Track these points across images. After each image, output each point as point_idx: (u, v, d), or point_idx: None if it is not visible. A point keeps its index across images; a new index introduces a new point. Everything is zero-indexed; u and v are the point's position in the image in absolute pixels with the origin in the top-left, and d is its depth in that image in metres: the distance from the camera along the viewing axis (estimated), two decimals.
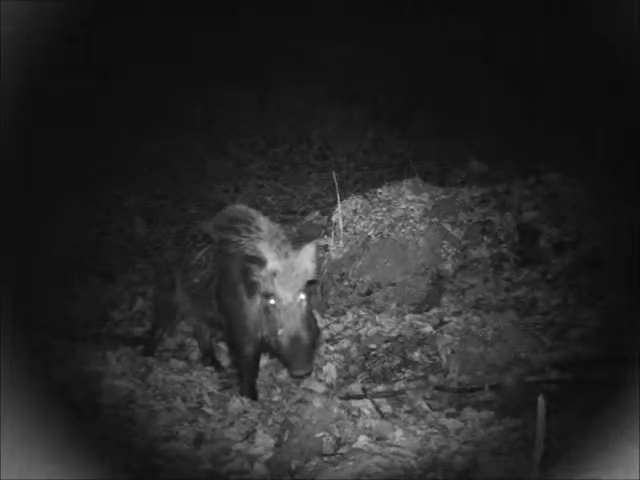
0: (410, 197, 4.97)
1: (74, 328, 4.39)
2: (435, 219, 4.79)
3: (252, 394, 3.56)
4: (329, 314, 4.40)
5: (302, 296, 3.27)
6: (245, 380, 3.59)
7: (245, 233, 3.52)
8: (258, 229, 3.52)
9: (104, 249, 6.16)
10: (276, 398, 3.57)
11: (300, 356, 3.18)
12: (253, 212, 3.71)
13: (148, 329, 4.37)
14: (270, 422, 3.29)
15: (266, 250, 3.33)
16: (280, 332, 3.20)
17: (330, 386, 3.62)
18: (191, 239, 3.88)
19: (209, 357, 4.09)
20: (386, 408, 3.28)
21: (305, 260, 3.31)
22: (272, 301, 3.24)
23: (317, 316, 3.96)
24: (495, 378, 3.46)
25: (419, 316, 4.23)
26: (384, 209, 4.89)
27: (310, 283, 3.37)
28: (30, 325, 3.51)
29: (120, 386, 3.54)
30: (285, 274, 3.24)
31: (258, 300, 3.34)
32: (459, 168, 7.15)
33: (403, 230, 4.69)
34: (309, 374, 3.50)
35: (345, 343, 4.05)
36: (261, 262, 3.25)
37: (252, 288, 3.31)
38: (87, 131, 7.11)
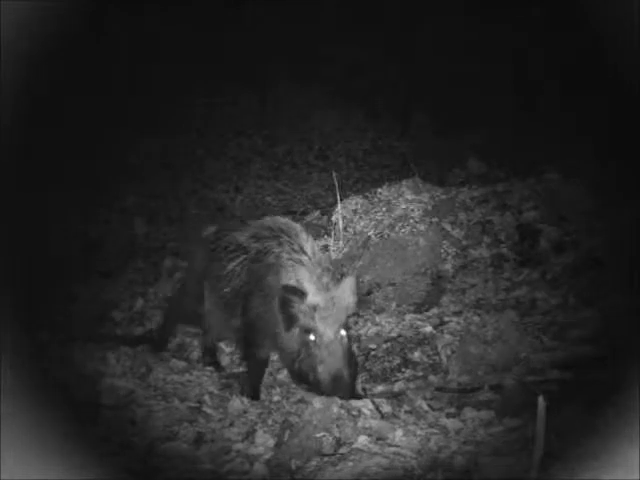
0: (410, 197, 4.97)
1: (74, 328, 4.39)
2: (435, 219, 4.80)
3: (255, 395, 3.55)
4: None
5: (343, 332, 3.16)
6: (251, 381, 3.58)
7: (287, 247, 3.39)
8: (301, 249, 3.38)
9: (104, 249, 6.16)
10: (276, 398, 3.57)
11: (340, 393, 3.06)
12: (297, 226, 3.60)
13: (158, 326, 4.36)
14: (270, 422, 3.29)
15: (307, 281, 3.21)
16: (320, 369, 3.09)
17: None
18: (222, 250, 3.76)
19: (209, 356, 4.08)
20: (386, 408, 3.27)
21: (346, 294, 3.20)
22: (312, 337, 3.12)
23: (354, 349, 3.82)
24: (495, 378, 3.46)
25: (419, 316, 4.23)
26: (384, 209, 4.89)
27: (350, 316, 3.29)
28: (30, 325, 3.51)
29: (120, 386, 3.54)
30: (327, 309, 3.12)
31: (296, 332, 3.21)
32: (459, 168, 7.16)
33: (403, 230, 4.70)
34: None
35: None
36: (302, 294, 3.13)
37: (291, 321, 3.17)
38: (87, 131, 7.10)
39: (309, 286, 3.18)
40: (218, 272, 3.71)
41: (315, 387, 3.18)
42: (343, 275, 3.58)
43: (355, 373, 3.28)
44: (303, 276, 3.26)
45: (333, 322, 3.13)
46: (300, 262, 3.32)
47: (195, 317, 3.98)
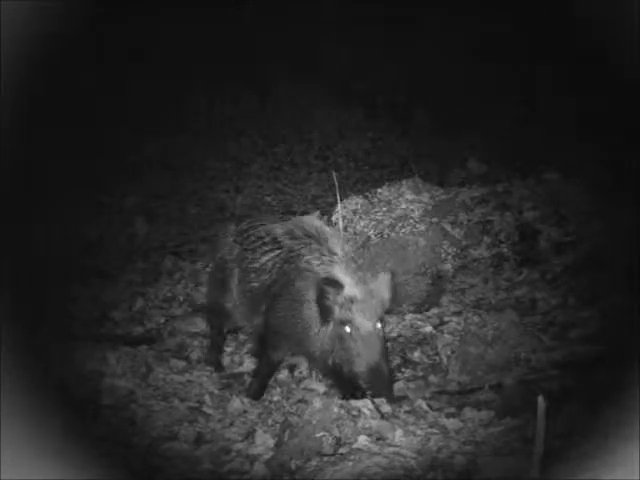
0: (410, 197, 4.97)
1: (74, 328, 4.39)
2: (435, 219, 4.80)
3: (258, 395, 3.54)
4: None
5: (379, 325, 3.12)
6: (258, 381, 3.57)
7: (317, 254, 3.36)
8: (331, 252, 3.36)
9: (104, 249, 6.16)
10: (276, 398, 3.57)
11: (381, 388, 3.05)
12: (327, 231, 3.56)
13: (162, 327, 4.34)
14: (270, 422, 3.29)
15: (342, 274, 3.19)
16: (357, 362, 3.05)
17: (330, 386, 3.62)
18: (257, 240, 3.68)
19: (215, 355, 4.03)
20: (386, 408, 3.27)
21: (382, 288, 3.19)
22: (348, 329, 3.08)
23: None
24: (495, 378, 3.46)
25: (419, 316, 4.23)
26: (384, 209, 4.89)
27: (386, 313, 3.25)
28: (30, 325, 3.50)
29: (120, 386, 3.54)
30: (364, 301, 3.09)
31: (331, 326, 3.17)
32: (459, 168, 7.17)
33: (403, 230, 4.70)
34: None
35: None
36: (339, 286, 3.11)
37: (327, 314, 3.14)
38: (87, 131, 7.10)
39: (346, 279, 3.16)
40: (250, 264, 3.64)
41: (349, 382, 3.14)
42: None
43: (391, 370, 3.23)
44: (338, 270, 3.24)
45: (371, 315, 3.09)
46: (331, 262, 3.30)
47: (224, 313, 3.87)
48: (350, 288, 3.12)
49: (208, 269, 5.31)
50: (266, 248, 3.61)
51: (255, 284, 3.59)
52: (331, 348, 3.17)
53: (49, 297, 4.60)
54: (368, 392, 3.06)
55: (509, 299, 4.30)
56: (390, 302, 3.24)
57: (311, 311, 3.26)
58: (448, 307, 4.32)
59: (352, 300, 3.10)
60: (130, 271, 5.63)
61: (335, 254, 3.35)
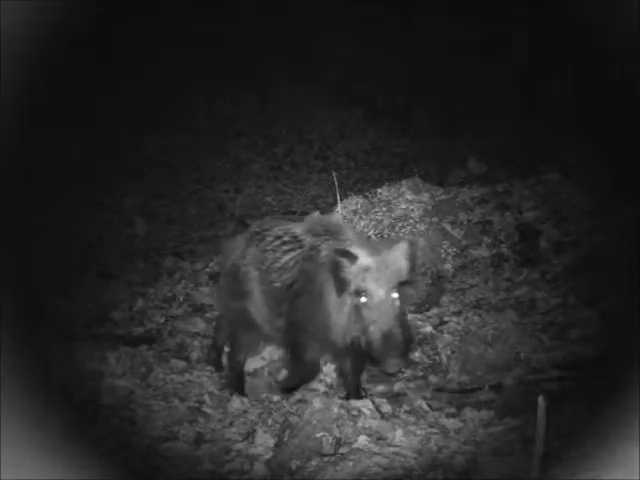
0: (410, 197, 4.97)
1: (74, 328, 4.39)
2: (435, 219, 4.80)
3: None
4: None
5: (395, 295, 3.11)
6: (293, 384, 3.52)
7: (335, 246, 3.34)
8: (344, 240, 3.37)
9: (104, 249, 6.16)
10: (276, 398, 3.57)
11: (393, 353, 3.01)
12: (343, 224, 3.58)
13: (162, 327, 4.31)
14: (270, 422, 3.29)
15: (357, 245, 3.22)
16: (371, 329, 3.04)
17: (330, 386, 3.62)
18: (276, 239, 3.63)
19: (216, 356, 3.99)
20: (386, 408, 3.28)
21: (399, 258, 3.16)
22: (363, 299, 3.08)
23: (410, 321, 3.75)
24: (495, 378, 3.46)
25: (419, 316, 4.23)
26: (384, 209, 4.89)
27: (404, 284, 3.21)
28: (30, 325, 3.51)
29: (120, 386, 3.54)
30: (378, 270, 3.09)
31: (347, 302, 3.17)
32: (459, 168, 7.17)
33: (403, 230, 4.70)
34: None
35: None
36: (352, 257, 3.11)
37: (342, 285, 3.14)
38: (87, 131, 7.11)
39: (360, 250, 3.17)
40: (272, 264, 3.58)
41: (367, 353, 3.11)
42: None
43: (410, 338, 3.19)
44: (353, 242, 3.27)
45: (384, 283, 3.09)
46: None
47: (247, 320, 3.71)
48: (364, 258, 3.13)
49: (208, 269, 5.32)
50: (286, 247, 3.57)
51: (277, 284, 3.54)
52: (348, 324, 3.17)
53: (49, 297, 4.61)
54: (382, 359, 3.05)
55: (509, 299, 4.30)
56: (409, 271, 3.20)
57: (332, 302, 3.25)
58: (448, 307, 4.32)
59: (366, 270, 3.10)
60: (130, 271, 5.63)
61: (349, 239, 3.37)
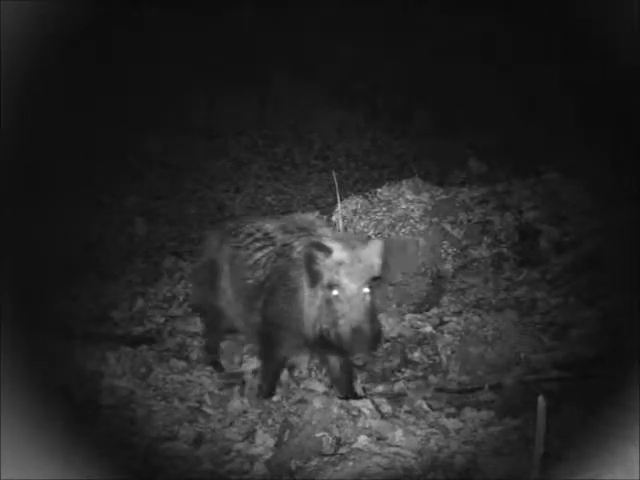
0: (410, 197, 4.96)
1: (74, 328, 4.39)
2: (435, 219, 4.80)
3: (270, 393, 3.54)
4: None
5: (366, 290, 3.17)
6: (267, 379, 3.56)
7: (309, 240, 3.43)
8: (318, 236, 3.43)
9: (104, 249, 6.16)
10: (276, 398, 3.57)
11: (361, 346, 3.09)
12: (318, 222, 3.65)
13: (162, 327, 4.34)
14: (270, 422, 3.29)
15: (331, 240, 3.27)
16: (341, 322, 3.10)
17: (330, 386, 3.62)
18: (248, 236, 3.72)
19: (211, 355, 4.04)
20: (386, 408, 3.28)
21: (372, 254, 3.24)
22: (335, 292, 3.14)
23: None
24: (495, 378, 3.46)
25: (419, 316, 4.23)
26: (384, 209, 4.89)
27: (375, 279, 3.27)
28: (30, 325, 3.51)
29: (120, 386, 3.54)
30: (351, 265, 3.15)
31: (319, 293, 3.23)
32: (459, 168, 7.17)
33: (403, 230, 4.70)
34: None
35: None
36: (327, 250, 3.17)
37: (315, 277, 3.20)
38: (87, 131, 7.11)
39: (334, 245, 3.22)
40: (244, 261, 3.67)
41: (335, 346, 3.17)
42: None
43: (379, 332, 3.26)
44: (328, 237, 3.33)
45: (357, 278, 3.15)
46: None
47: (216, 313, 3.89)
48: (338, 253, 3.18)
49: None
50: (259, 244, 3.65)
51: (250, 281, 3.62)
52: (318, 315, 3.23)
53: (49, 297, 4.61)
54: (350, 353, 3.16)
55: (509, 299, 4.30)
56: (380, 268, 3.27)
57: (305, 296, 3.32)
58: (448, 307, 4.31)
59: (340, 263, 3.16)
60: (130, 271, 5.63)
61: (327, 235, 3.44)
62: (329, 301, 3.17)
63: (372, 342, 3.15)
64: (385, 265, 3.34)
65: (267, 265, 3.56)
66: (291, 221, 3.67)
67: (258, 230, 3.71)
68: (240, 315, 3.75)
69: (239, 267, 3.69)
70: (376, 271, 3.24)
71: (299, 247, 3.43)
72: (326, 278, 3.17)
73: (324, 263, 3.17)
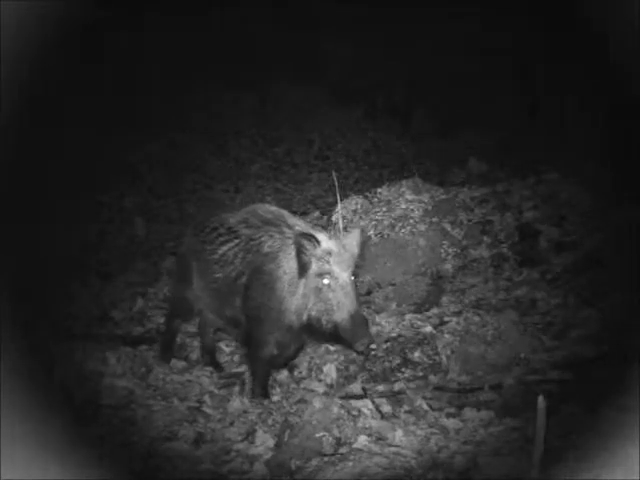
0: (410, 197, 4.97)
1: (74, 328, 4.39)
2: (435, 219, 4.80)
3: (264, 394, 3.55)
4: None
5: (352, 277, 3.27)
6: (258, 380, 3.57)
7: (278, 235, 3.49)
8: (291, 227, 3.49)
9: (104, 249, 6.16)
10: (276, 398, 3.57)
11: (361, 331, 3.15)
12: (284, 213, 3.67)
13: (162, 327, 4.35)
14: (270, 422, 3.29)
15: (317, 232, 3.34)
16: (337, 310, 3.17)
17: (330, 386, 3.62)
18: (212, 231, 3.77)
19: (209, 356, 4.07)
20: (386, 408, 3.28)
21: (353, 243, 3.33)
22: (326, 280, 3.20)
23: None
24: (495, 378, 3.46)
25: (419, 316, 4.23)
26: (384, 209, 4.89)
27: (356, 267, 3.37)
28: (30, 325, 3.51)
29: (120, 386, 3.54)
30: (339, 254, 3.23)
31: (301, 283, 3.30)
32: (459, 168, 7.16)
33: (403, 230, 4.70)
34: (370, 346, 3.53)
35: None
36: (316, 240, 3.23)
37: (305, 267, 3.26)
38: (87, 131, 7.11)
39: (319, 235, 3.30)
40: (209, 256, 3.72)
41: (331, 334, 3.23)
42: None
43: (367, 319, 3.34)
44: (300, 227, 3.42)
45: (346, 266, 3.24)
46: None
47: (187, 305, 3.96)
48: (326, 242, 3.26)
49: None
50: (222, 239, 3.70)
51: (219, 275, 3.66)
52: (305, 304, 3.28)
53: (49, 297, 4.60)
54: (352, 339, 3.17)
55: (509, 299, 4.30)
56: (358, 257, 3.37)
57: (285, 286, 3.37)
58: (448, 307, 4.31)
59: (329, 252, 3.23)
60: (130, 271, 5.63)
61: (298, 225, 3.50)
62: (318, 289, 3.22)
63: (367, 324, 3.24)
64: (361, 255, 3.46)
65: (236, 261, 3.60)
66: (253, 214, 3.70)
67: (221, 225, 3.76)
68: (212, 309, 3.82)
69: (206, 261, 3.73)
70: (356, 259, 3.34)
71: (269, 241, 3.48)
72: (316, 267, 3.23)
73: (313, 252, 3.22)
